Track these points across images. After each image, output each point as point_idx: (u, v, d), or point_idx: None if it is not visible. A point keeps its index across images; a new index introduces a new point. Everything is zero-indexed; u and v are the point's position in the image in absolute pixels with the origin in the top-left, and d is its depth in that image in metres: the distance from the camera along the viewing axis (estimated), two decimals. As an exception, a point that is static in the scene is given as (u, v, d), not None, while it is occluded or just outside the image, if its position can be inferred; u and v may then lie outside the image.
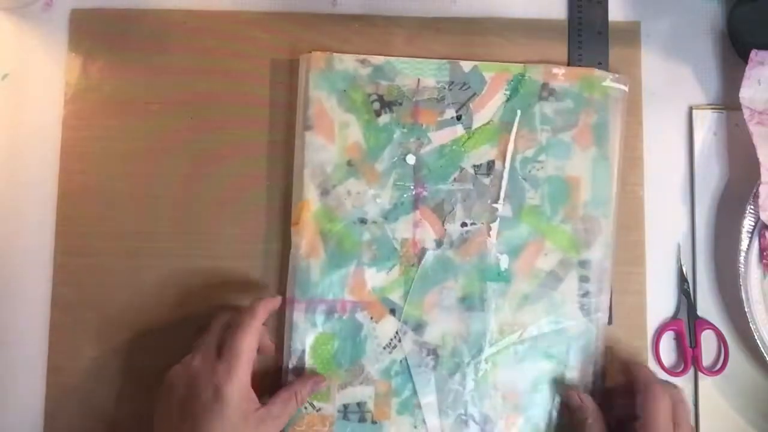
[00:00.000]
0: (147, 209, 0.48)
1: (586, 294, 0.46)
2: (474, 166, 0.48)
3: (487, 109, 0.48)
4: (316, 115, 0.48)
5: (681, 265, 0.48)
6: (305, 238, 0.47)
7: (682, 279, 0.48)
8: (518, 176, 0.48)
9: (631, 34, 0.50)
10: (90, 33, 0.50)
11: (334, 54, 0.48)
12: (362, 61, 0.49)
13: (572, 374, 0.46)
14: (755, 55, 0.47)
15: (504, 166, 0.48)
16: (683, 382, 0.46)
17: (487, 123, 0.48)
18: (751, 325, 0.46)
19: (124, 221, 0.48)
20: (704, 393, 0.47)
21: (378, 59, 0.49)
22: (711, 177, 0.48)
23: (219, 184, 0.48)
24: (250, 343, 0.41)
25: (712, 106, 0.49)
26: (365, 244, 0.47)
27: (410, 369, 0.46)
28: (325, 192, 0.47)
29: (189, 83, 0.49)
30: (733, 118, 0.49)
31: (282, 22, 0.50)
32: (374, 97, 0.48)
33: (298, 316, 0.46)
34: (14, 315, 0.47)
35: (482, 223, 0.47)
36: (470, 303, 0.47)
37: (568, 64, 0.50)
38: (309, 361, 0.46)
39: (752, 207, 0.47)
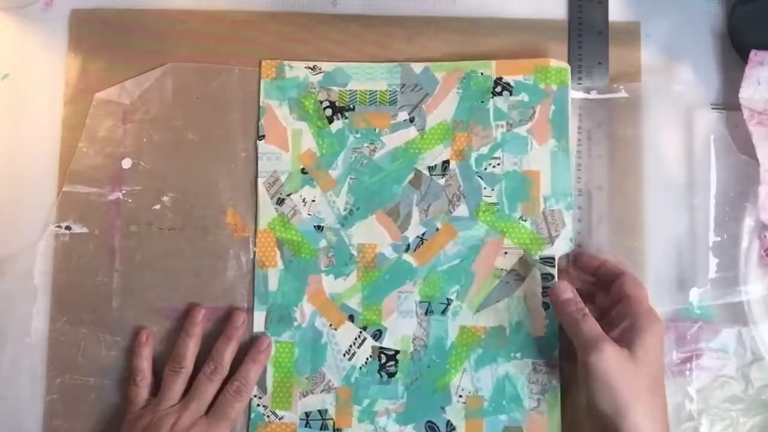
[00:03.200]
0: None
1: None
2: (429, 167, 0.48)
3: (440, 109, 0.48)
4: (268, 124, 0.48)
5: (681, 265, 0.48)
6: (261, 248, 0.47)
7: (681, 278, 0.48)
8: (473, 175, 0.47)
9: (631, 34, 0.50)
10: (90, 33, 0.50)
11: (285, 62, 0.49)
12: (312, 68, 0.49)
13: (537, 375, 0.45)
14: (755, 55, 0.47)
15: (458, 166, 0.47)
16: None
17: (440, 123, 0.48)
18: (751, 325, 0.46)
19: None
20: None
21: (328, 65, 0.49)
22: (711, 177, 0.48)
23: (216, 185, 0.48)
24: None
25: (712, 106, 0.49)
26: (322, 251, 0.47)
27: (370, 375, 0.46)
28: (280, 201, 0.48)
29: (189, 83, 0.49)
30: (733, 118, 0.49)
31: (282, 22, 0.50)
32: (326, 103, 0.48)
33: (258, 325, 0.47)
34: (15, 317, 0.47)
35: (439, 226, 0.47)
36: (428, 306, 0.46)
37: (568, 64, 0.50)
38: (270, 370, 0.46)
39: (752, 207, 0.47)
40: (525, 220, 0.47)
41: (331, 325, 0.47)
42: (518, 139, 0.47)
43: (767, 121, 0.47)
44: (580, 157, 0.49)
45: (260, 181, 0.48)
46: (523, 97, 0.48)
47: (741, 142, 0.48)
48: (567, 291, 0.43)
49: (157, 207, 0.48)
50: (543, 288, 0.46)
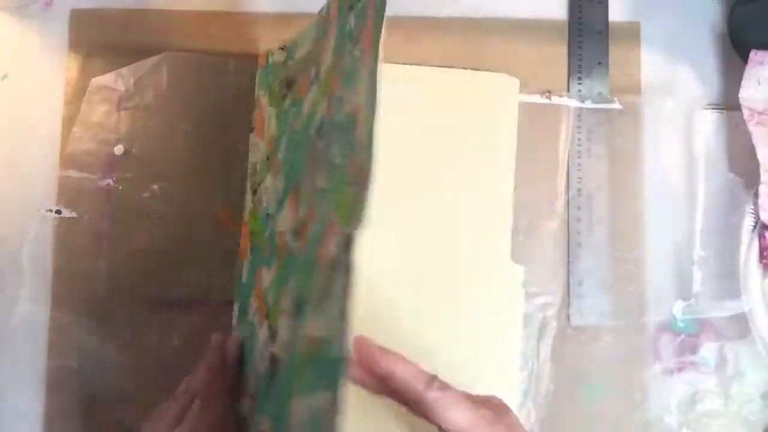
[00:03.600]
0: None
1: None
2: (316, 129, 0.36)
3: (327, 54, 0.37)
4: (258, 115, 0.46)
5: (681, 257, 0.48)
6: (243, 239, 0.45)
7: (681, 279, 0.48)
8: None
9: (631, 34, 0.50)
10: (90, 33, 0.50)
11: (271, 49, 0.46)
12: (283, 48, 0.44)
13: None
14: (755, 55, 0.47)
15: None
16: (688, 374, 0.46)
17: (326, 71, 0.37)
18: (751, 325, 0.46)
19: (124, 221, 0.48)
20: (711, 383, 0.46)
21: (291, 39, 0.44)
22: (711, 177, 0.48)
23: (207, 176, 0.48)
24: None
25: (712, 106, 0.49)
26: (266, 241, 0.41)
27: (264, 387, 0.36)
28: (254, 191, 0.45)
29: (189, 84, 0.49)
30: (733, 118, 0.49)
31: (282, 22, 0.50)
32: (284, 82, 0.44)
33: (234, 318, 0.44)
34: (0, 300, 0.47)
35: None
36: (299, 306, 0.37)
37: (568, 65, 0.50)
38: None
39: (752, 207, 0.47)
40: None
41: (259, 322, 0.39)
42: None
43: (767, 121, 0.47)
44: (580, 157, 0.49)
45: (249, 173, 0.46)
46: None
47: (741, 142, 0.48)
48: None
49: (147, 195, 0.48)
50: None
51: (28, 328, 0.47)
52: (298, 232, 0.35)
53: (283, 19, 0.50)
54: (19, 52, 0.50)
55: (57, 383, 0.47)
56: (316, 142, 0.35)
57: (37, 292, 0.47)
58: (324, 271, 0.31)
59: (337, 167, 0.32)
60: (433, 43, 0.50)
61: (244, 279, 0.44)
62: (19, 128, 0.49)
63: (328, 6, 0.39)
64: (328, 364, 0.28)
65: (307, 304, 0.32)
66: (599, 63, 0.50)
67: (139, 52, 0.49)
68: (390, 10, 0.50)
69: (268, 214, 0.41)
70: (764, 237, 0.47)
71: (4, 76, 0.50)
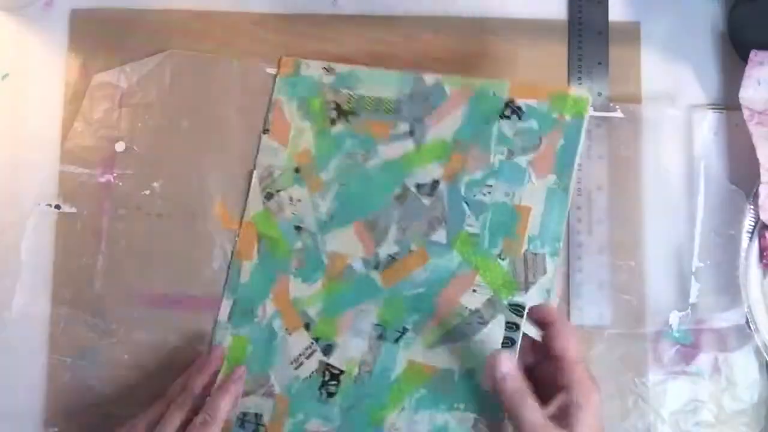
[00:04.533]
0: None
1: (510, 344, 0.41)
2: (417, 184, 0.45)
3: (443, 126, 0.46)
4: (275, 118, 0.48)
5: (680, 265, 0.48)
6: (243, 239, 0.46)
7: (681, 279, 0.48)
8: (461, 199, 0.44)
9: (631, 34, 0.50)
10: (90, 33, 0.50)
11: (302, 60, 0.48)
12: (327, 69, 0.47)
13: (482, 427, 0.42)
14: (755, 55, 0.47)
15: (447, 188, 0.45)
16: (683, 384, 0.46)
17: (440, 140, 0.46)
18: (751, 325, 0.46)
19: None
20: (705, 395, 0.47)
21: (343, 68, 0.47)
22: (711, 177, 0.48)
23: (207, 175, 0.48)
24: None
25: (712, 106, 0.49)
26: (296, 253, 0.46)
27: (310, 390, 0.44)
28: (269, 196, 0.47)
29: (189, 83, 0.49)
30: (733, 118, 0.49)
31: (282, 22, 0.50)
32: (332, 105, 0.47)
33: (223, 314, 0.46)
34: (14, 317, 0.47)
35: (414, 248, 0.44)
36: (383, 331, 0.44)
37: (568, 65, 0.50)
38: (225, 363, 0.45)
39: (752, 207, 0.47)
40: (503, 259, 0.43)
41: (287, 328, 0.45)
42: (516, 169, 0.45)
43: (767, 121, 0.47)
44: (580, 157, 0.49)
45: (255, 173, 0.47)
46: (532, 124, 0.45)
47: (741, 142, 0.48)
48: (506, 363, 0.38)
49: (147, 192, 0.48)
50: (505, 338, 0.42)
51: (26, 322, 0.47)
52: (379, 265, 0.45)
53: (283, 19, 0.50)
54: (19, 52, 0.50)
55: (56, 377, 0.47)
56: (417, 195, 0.45)
57: (36, 286, 0.48)
58: (449, 314, 0.43)
59: (475, 236, 0.44)
60: (433, 42, 0.50)
61: (244, 279, 0.46)
62: (19, 127, 0.49)
63: (441, 83, 0.47)
64: (454, 390, 0.42)
65: (418, 335, 0.44)
66: (599, 63, 0.50)
67: (139, 52, 0.49)
68: (390, 10, 0.51)
69: (298, 227, 0.46)
70: (764, 237, 0.47)
71: (5, 76, 0.50)
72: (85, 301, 0.47)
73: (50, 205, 0.48)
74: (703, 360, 0.47)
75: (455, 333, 0.43)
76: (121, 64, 0.49)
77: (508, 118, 0.45)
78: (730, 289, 0.47)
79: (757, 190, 0.46)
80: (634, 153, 0.49)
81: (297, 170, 0.47)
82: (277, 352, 0.45)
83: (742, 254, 0.46)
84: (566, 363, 0.38)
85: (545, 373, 0.39)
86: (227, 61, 0.49)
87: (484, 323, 0.43)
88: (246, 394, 0.44)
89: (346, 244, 0.45)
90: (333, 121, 0.47)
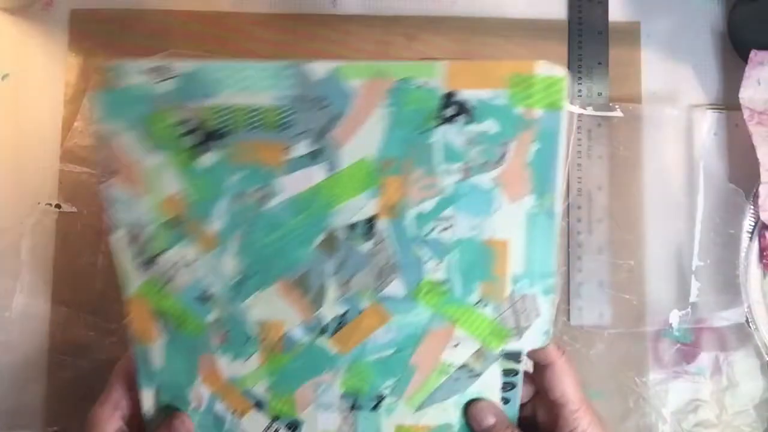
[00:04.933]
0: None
1: (512, 388, 0.36)
2: (346, 225, 0.34)
3: (359, 140, 0.33)
4: (113, 157, 0.34)
5: (681, 265, 0.48)
6: (135, 319, 0.36)
7: (681, 278, 0.48)
8: (412, 240, 0.34)
9: (631, 34, 0.50)
10: (90, 33, 0.50)
11: (119, 63, 0.33)
12: (157, 70, 0.32)
13: None
14: (755, 55, 0.47)
15: (389, 226, 0.34)
16: (684, 384, 0.46)
17: (360, 161, 0.33)
18: (751, 325, 0.46)
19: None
20: (706, 394, 0.47)
21: (184, 66, 0.32)
22: (711, 177, 0.48)
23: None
24: None
25: (712, 106, 0.49)
26: (212, 327, 0.35)
27: None
28: (147, 262, 0.35)
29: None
30: (733, 118, 0.49)
31: (282, 22, 0.50)
32: (188, 126, 0.33)
33: (147, 406, 0.36)
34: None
35: (365, 306, 0.35)
36: (355, 401, 0.36)
37: (568, 65, 0.49)
38: None
39: (752, 207, 0.47)
40: (485, 305, 0.34)
41: (234, 411, 0.36)
42: (478, 192, 0.33)
43: (767, 121, 0.47)
44: (580, 157, 0.49)
45: (118, 235, 0.34)
46: (489, 126, 0.32)
47: (741, 142, 0.48)
48: (489, 416, 0.35)
49: None
50: (504, 383, 0.36)
51: (26, 322, 0.47)
52: (326, 330, 0.35)
53: (283, 18, 0.50)
54: (19, 52, 0.50)
55: (55, 377, 0.47)
56: (350, 240, 0.34)
57: (36, 285, 0.47)
58: (432, 374, 0.35)
59: (443, 284, 0.34)
60: (433, 42, 0.50)
61: (158, 365, 0.36)
62: (19, 127, 0.49)
63: (340, 74, 0.32)
64: None
65: (400, 399, 0.36)
66: (599, 63, 0.50)
67: (139, 52, 0.49)
68: (390, 10, 0.51)
69: (204, 297, 0.35)
70: (764, 237, 0.47)
71: (5, 76, 0.50)
72: (85, 301, 0.47)
73: (50, 205, 0.48)
74: (704, 359, 0.47)
75: (445, 390, 0.36)
76: (121, 64, 0.49)
77: (450, 120, 0.32)
78: (730, 288, 0.47)
79: (757, 190, 0.46)
80: (634, 153, 0.49)
81: (172, 224, 0.35)
82: None
83: (742, 254, 0.46)
84: (567, 411, 0.35)
85: (542, 414, 0.36)
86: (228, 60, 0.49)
87: (475, 376, 0.35)
88: None
89: (275, 310, 0.35)
90: (197, 151, 0.33)
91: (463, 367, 0.35)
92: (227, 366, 0.36)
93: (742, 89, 0.47)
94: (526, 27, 0.50)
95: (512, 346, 0.35)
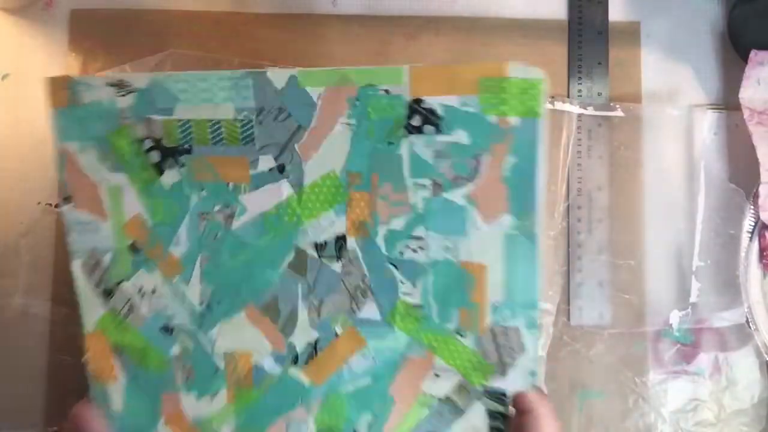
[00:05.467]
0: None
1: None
2: (316, 244, 0.32)
3: (323, 153, 0.31)
4: (72, 179, 0.33)
5: (681, 265, 0.48)
6: (94, 357, 0.34)
7: (681, 278, 0.48)
8: (383, 260, 0.32)
9: (631, 34, 0.50)
10: (90, 33, 0.50)
11: (76, 77, 0.33)
12: (118, 85, 0.32)
13: None
14: (755, 55, 0.47)
15: (360, 245, 0.32)
16: (683, 383, 0.46)
17: (327, 175, 0.32)
18: (751, 325, 0.46)
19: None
20: (705, 394, 0.47)
21: (141, 79, 0.32)
22: (711, 177, 0.48)
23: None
24: None
25: (712, 106, 0.49)
26: (175, 361, 0.34)
27: None
28: (107, 292, 0.34)
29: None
30: (733, 118, 0.49)
31: (282, 22, 0.50)
32: (149, 142, 0.32)
33: None
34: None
35: (340, 330, 0.33)
36: None
37: (568, 65, 0.49)
38: None
39: (752, 207, 0.47)
40: (463, 335, 0.32)
41: None
42: (451, 209, 0.31)
43: (767, 121, 0.47)
44: (580, 157, 0.49)
45: (76, 263, 0.34)
46: (459, 136, 0.30)
47: (741, 142, 0.48)
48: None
49: None
50: (491, 428, 0.33)
51: (26, 322, 0.47)
52: (297, 359, 0.33)
53: (283, 18, 0.50)
54: (19, 52, 0.50)
55: (56, 377, 0.47)
56: (320, 260, 0.32)
57: (35, 284, 0.47)
58: (413, 407, 0.32)
59: (418, 308, 0.32)
60: (433, 42, 0.50)
61: (117, 407, 0.34)
62: (19, 127, 0.49)
63: (298, 82, 0.31)
64: None
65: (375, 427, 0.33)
66: (599, 63, 0.50)
67: (139, 52, 0.49)
68: (390, 10, 0.51)
69: (167, 328, 0.33)
70: (764, 237, 0.47)
71: (5, 76, 0.50)
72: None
73: (50, 205, 0.48)
74: (704, 359, 0.47)
75: (428, 426, 0.33)
76: (122, 64, 0.49)
77: (419, 130, 0.30)
78: (730, 288, 0.47)
79: (757, 190, 0.46)
80: (634, 153, 0.49)
81: (134, 248, 0.34)
82: None
83: (742, 254, 0.46)
84: None
85: None
86: (229, 61, 0.49)
87: (460, 413, 0.33)
88: None
89: (244, 339, 0.33)
90: (159, 168, 0.33)
91: (446, 400, 0.32)
92: (192, 405, 0.34)
93: (742, 89, 0.47)
94: (526, 27, 0.50)
95: (496, 383, 0.32)
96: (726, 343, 0.47)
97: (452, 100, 0.29)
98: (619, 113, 0.49)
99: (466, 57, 0.49)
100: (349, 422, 0.33)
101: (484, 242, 0.31)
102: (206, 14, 0.50)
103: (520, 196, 0.30)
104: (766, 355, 0.46)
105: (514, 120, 0.29)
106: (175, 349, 0.34)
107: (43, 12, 0.50)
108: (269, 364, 0.33)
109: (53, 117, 0.32)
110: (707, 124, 0.49)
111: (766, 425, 0.46)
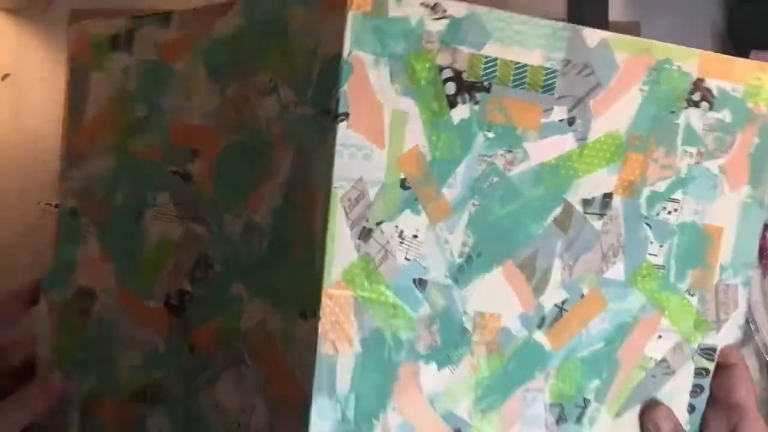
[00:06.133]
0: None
1: (699, 392, 0.34)
2: (583, 200, 0.32)
3: (614, 112, 0.32)
4: (355, 94, 0.28)
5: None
6: (329, 316, 0.28)
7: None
8: (641, 220, 0.33)
9: (631, 34, 0.50)
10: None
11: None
12: (433, 7, 0.29)
13: None
14: (755, 55, 0.47)
15: (624, 204, 0.32)
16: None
17: (610, 134, 0.32)
18: (751, 325, 0.46)
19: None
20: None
21: (459, 8, 0.30)
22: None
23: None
24: None
25: (712, 106, 0.49)
26: (422, 323, 0.30)
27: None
28: (365, 234, 0.29)
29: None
30: (733, 118, 0.49)
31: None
32: (448, 72, 0.30)
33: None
34: None
35: (586, 291, 0.32)
36: (561, 412, 0.32)
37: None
38: None
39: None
40: (692, 295, 0.33)
41: None
42: (708, 177, 0.33)
43: (767, 121, 0.47)
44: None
45: (336, 193, 0.28)
46: (725, 115, 0.33)
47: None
48: (667, 419, 0.33)
49: None
50: (693, 386, 0.34)
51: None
52: (543, 322, 0.32)
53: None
54: (19, 52, 0.50)
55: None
56: (585, 217, 0.32)
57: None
58: (634, 370, 0.33)
59: (660, 268, 0.33)
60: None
61: (343, 387, 0.29)
62: (19, 127, 0.49)
63: (609, 45, 0.32)
64: None
65: (602, 404, 0.33)
66: (599, 63, 0.49)
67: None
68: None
69: (421, 281, 0.30)
70: (764, 237, 0.47)
71: (5, 76, 0.50)
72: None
73: (50, 205, 0.48)
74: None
75: (641, 391, 0.33)
76: (121, 64, 0.49)
77: (697, 105, 0.33)
78: (731, 288, 0.47)
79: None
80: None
81: (404, 185, 0.30)
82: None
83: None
84: (747, 421, 0.32)
85: (713, 421, 0.34)
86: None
87: (671, 373, 0.33)
88: None
89: (496, 299, 0.31)
90: (452, 101, 0.30)
91: (661, 362, 0.33)
92: (431, 379, 0.30)
93: (742, 89, 0.47)
94: (526, 27, 0.50)
95: (710, 340, 0.34)
96: (749, 318, 0.47)
97: (725, 85, 0.33)
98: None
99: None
100: (580, 389, 0.32)
101: (725, 208, 0.33)
102: (206, 14, 0.50)
103: (759, 170, 0.34)
104: (766, 355, 0.46)
105: (764, 108, 0.33)
106: (424, 309, 0.30)
107: (43, 12, 0.50)
108: (516, 328, 0.31)
109: (351, 20, 0.28)
110: (707, 124, 0.49)
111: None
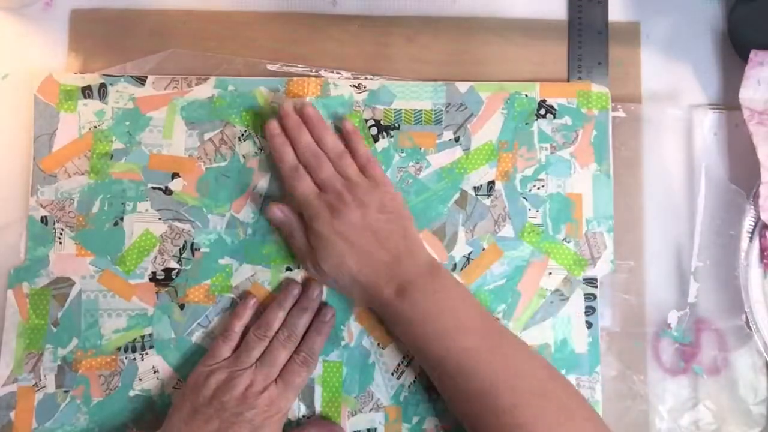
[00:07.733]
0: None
1: (592, 312, 0.46)
2: (474, 187, 0.48)
3: (485, 130, 0.48)
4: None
5: (680, 265, 0.48)
6: None
7: (681, 278, 0.48)
8: (518, 196, 0.48)
9: (631, 34, 0.50)
10: (90, 33, 0.50)
11: (330, 80, 0.49)
12: (357, 87, 0.48)
13: (581, 389, 0.45)
14: (755, 55, 0.47)
15: (504, 186, 0.48)
16: (682, 382, 0.46)
17: (486, 143, 0.48)
18: (751, 325, 0.46)
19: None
20: (704, 393, 0.47)
21: (373, 83, 0.48)
22: (711, 177, 0.48)
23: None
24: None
25: (712, 106, 0.49)
26: None
27: (419, 394, 0.46)
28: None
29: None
30: (733, 118, 0.49)
31: (282, 21, 0.50)
32: (371, 122, 0.48)
33: None
34: None
35: (485, 246, 0.47)
36: None
37: (568, 65, 0.50)
38: (318, 389, 0.46)
39: (752, 207, 0.47)
40: (568, 242, 0.47)
41: (378, 344, 0.46)
42: (562, 161, 0.48)
43: (767, 121, 0.47)
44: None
45: None
46: (566, 120, 0.48)
47: (741, 142, 0.48)
48: (273, 209, 0.45)
49: None
50: (585, 308, 0.46)
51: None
52: (455, 267, 0.48)
53: (283, 18, 0.50)
54: (19, 52, 0.50)
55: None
56: (476, 197, 0.50)
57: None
58: (533, 297, 0.47)
59: (540, 226, 0.48)
60: (433, 42, 0.50)
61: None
62: (20, 126, 0.49)
63: (475, 89, 0.49)
64: (552, 359, 0.46)
65: (509, 321, 0.47)
66: (599, 63, 0.50)
67: (139, 52, 0.49)
68: (390, 10, 0.51)
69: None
70: (764, 237, 0.47)
71: (5, 76, 0.50)
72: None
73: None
74: (703, 359, 0.47)
75: (543, 312, 0.47)
76: (121, 63, 0.49)
77: (543, 117, 0.48)
78: (730, 288, 0.47)
79: (757, 190, 0.46)
80: (635, 153, 0.49)
81: None
82: (374, 369, 0.46)
83: (742, 254, 0.46)
84: None
85: None
86: (229, 59, 0.49)
87: (565, 299, 0.47)
88: (352, 414, 0.45)
89: None
90: (375, 138, 0.48)
91: (556, 291, 0.47)
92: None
93: (742, 89, 0.47)
94: (526, 27, 0.50)
95: (589, 272, 0.47)
96: (725, 344, 0.47)
97: (562, 101, 0.49)
98: (619, 113, 0.49)
99: (465, 57, 0.49)
100: (490, 310, 0.46)
101: (581, 180, 0.48)
102: (206, 14, 0.50)
103: (600, 152, 0.48)
104: (766, 355, 0.46)
105: (594, 112, 0.48)
106: None
107: (43, 12, 0.50)
108: None
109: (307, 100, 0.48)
110: (707, 124, 0.49)
111: (766, 425, 0.46)
